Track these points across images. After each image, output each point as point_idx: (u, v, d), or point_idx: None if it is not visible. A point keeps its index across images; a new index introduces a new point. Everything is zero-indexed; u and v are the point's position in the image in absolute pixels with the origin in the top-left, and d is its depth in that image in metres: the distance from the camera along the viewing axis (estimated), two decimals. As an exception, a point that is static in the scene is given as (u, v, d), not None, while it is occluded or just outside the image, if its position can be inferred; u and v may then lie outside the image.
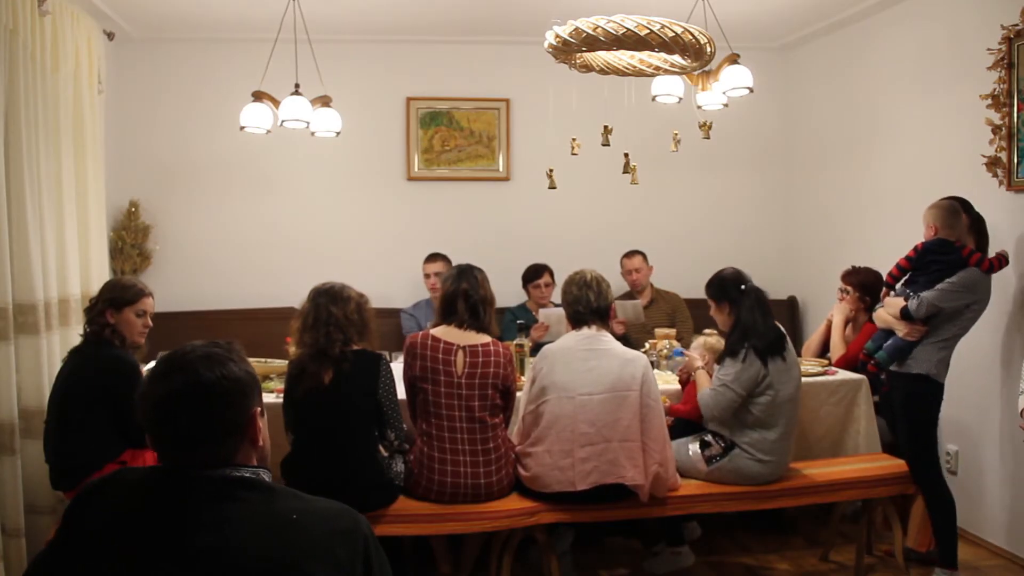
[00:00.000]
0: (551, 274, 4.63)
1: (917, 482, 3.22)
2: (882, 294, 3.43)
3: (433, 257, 4.65)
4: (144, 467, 1.51)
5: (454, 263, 3.89)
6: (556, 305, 4.34)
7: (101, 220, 4.17)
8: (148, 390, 1.34)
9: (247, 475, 1.33)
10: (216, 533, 1.24)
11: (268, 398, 3.13)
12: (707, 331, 3.53)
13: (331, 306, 2.86)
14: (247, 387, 1.36)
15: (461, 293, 3.02)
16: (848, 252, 4.50)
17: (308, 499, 1.33)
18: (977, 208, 3.33)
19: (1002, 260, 3.19)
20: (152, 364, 3.61)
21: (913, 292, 3.16)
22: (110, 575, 1.24)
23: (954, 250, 3.13)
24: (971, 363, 3.49)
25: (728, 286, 3.22)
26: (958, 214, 3.19)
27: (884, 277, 3.44)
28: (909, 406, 3.22)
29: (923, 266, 3.18)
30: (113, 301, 2.96)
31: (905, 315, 3.15)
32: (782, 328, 3.21)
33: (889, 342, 3.24)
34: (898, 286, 3.31)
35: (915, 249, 3.22)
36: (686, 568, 3.34)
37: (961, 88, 3.76)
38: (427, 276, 4.63)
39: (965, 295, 3.09)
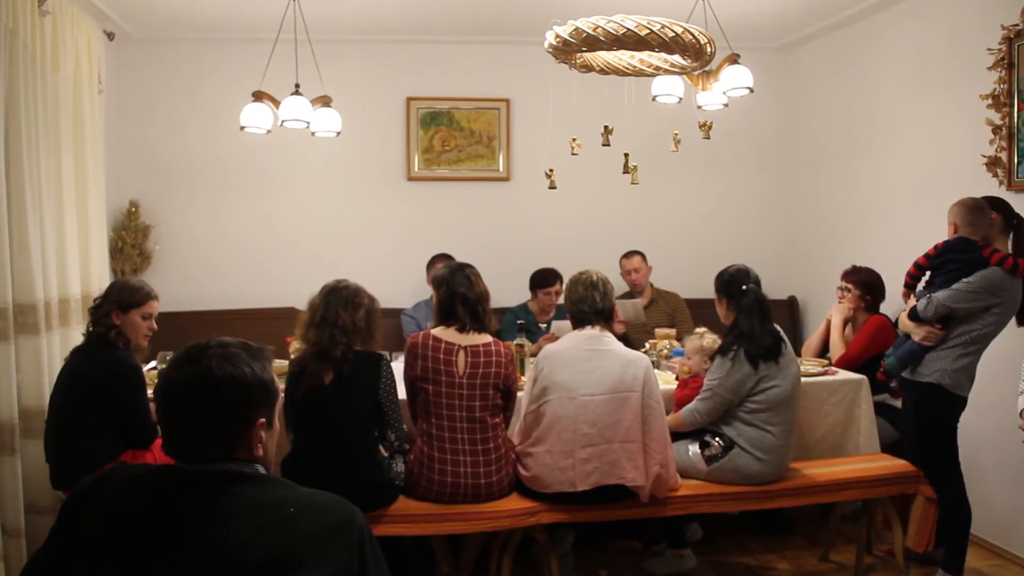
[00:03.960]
0: (562, 282, 4.60)
1: (933, 487, 3.15)
2: (902, 294, 3.30)
3: (440, 258, 4.63)
4: (141, 464, 1.52)
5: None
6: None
7: (101, 220, 4.17)
8: (164, 375, 1.36)
9: (244, 470, 1.33)
10: (213, 529, 1.24)
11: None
12: (699, 330, 3.54)
13: (340, 309, 2.85)
14: (254, 394, 1.35)
15: (458, 297, 3.00)
16: (848, 252, 4.50)
17: (303, 492, 1.33)
18: None
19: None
20: (152, 364, 3.64)
21: (928, 293, 3.05)
22: (108, 573, 1.24)
23: (974, 249, 2.98)
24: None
25: (730, 283, 3.22)
26: (982, 211, 3.04)
27: (903, 277, 3.25)
28: (918, 415, 3.14)
29: (940, 266, 3.05)
30: (120, 303, 2.95)
31: (912, 315, 3.08)
32: (781, 332, 3.20)
33: (902, 347, 3.15)
34: (919, 287, 3.20)
35: (935, 247, 3.10)
36: (687, 570, 3.34)
37: (961, 88, 3.76)
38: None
39: (983, 297, 2.95)
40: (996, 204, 3.13)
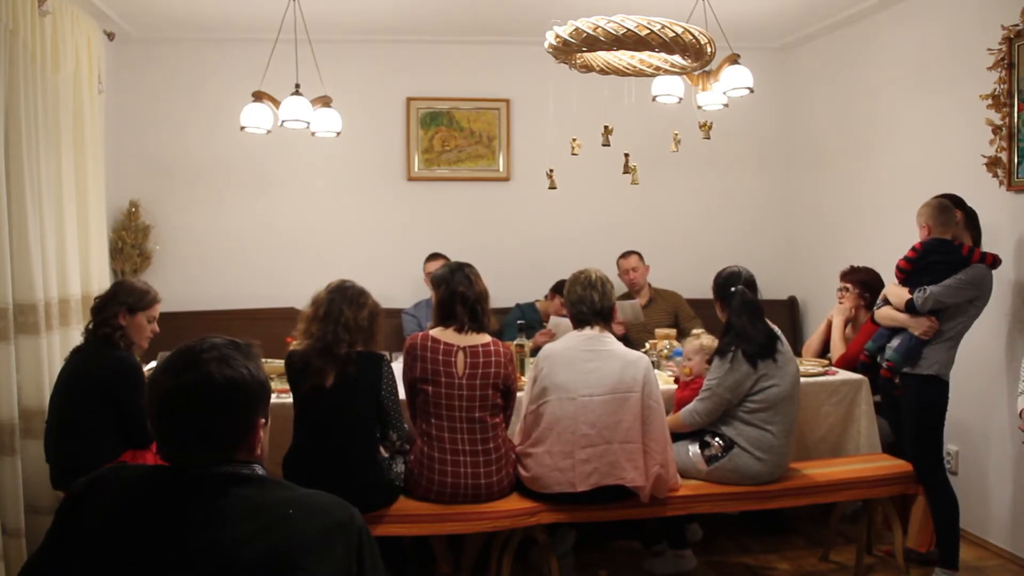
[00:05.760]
0: None
1: (922, 482, 3.21)
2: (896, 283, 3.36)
3: (434, 257, 4.64)
4: (139, 465, 1.50)
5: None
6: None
7: (101, 220, 4.17)
8: (158, 380, 1.33)
9: (243, 471, 1.32)
10: (212, 531, 1.24)
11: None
12: (696, 331, 3.54)
13: (345, 306, 2.85)
14: (255, 396, 1.34)
15: (458, 296, 2.99)
16: (848, 252, 4.50)
17: (302, 493, 1.33)
18: (977, 208, 3.34)
19: (996, 258, 3.18)
20: (153, 364, 3.64)
21: (922, 288, 3.14)
22: (106, 574, 1.24)
23: (954, 249, 3.13)
24: (972, 363, 3.49)
25: (723, 286, 3.26)
26: (949, 211, 3.19)
27: (894, 273, 3.34)
28: (921, 408, 3.19)
29: (927, 266, 3.16)
30: (129, 305, 2.96)
31: (909, 308, 3.15)
32: (776, 329, 3.20)
33: (899, 342, 3.21)
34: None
35: (914, 249, 3.20)
36: (687, 571, 3.34)
37: (961, 88, 3.76)
38: (428, 275, 4.62)
39: (970, 290, 3.09)
40: (958, 202, 3.28)
